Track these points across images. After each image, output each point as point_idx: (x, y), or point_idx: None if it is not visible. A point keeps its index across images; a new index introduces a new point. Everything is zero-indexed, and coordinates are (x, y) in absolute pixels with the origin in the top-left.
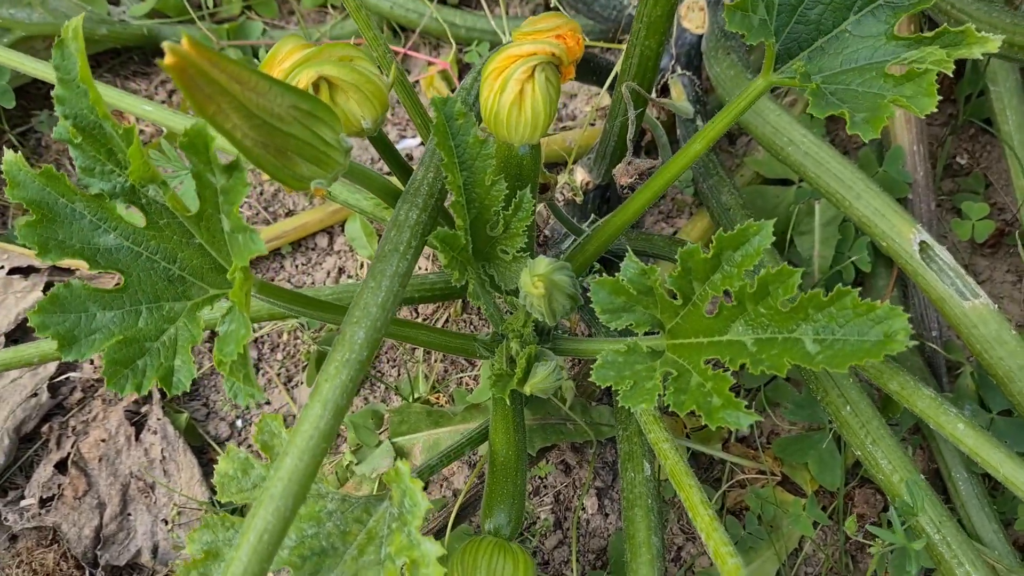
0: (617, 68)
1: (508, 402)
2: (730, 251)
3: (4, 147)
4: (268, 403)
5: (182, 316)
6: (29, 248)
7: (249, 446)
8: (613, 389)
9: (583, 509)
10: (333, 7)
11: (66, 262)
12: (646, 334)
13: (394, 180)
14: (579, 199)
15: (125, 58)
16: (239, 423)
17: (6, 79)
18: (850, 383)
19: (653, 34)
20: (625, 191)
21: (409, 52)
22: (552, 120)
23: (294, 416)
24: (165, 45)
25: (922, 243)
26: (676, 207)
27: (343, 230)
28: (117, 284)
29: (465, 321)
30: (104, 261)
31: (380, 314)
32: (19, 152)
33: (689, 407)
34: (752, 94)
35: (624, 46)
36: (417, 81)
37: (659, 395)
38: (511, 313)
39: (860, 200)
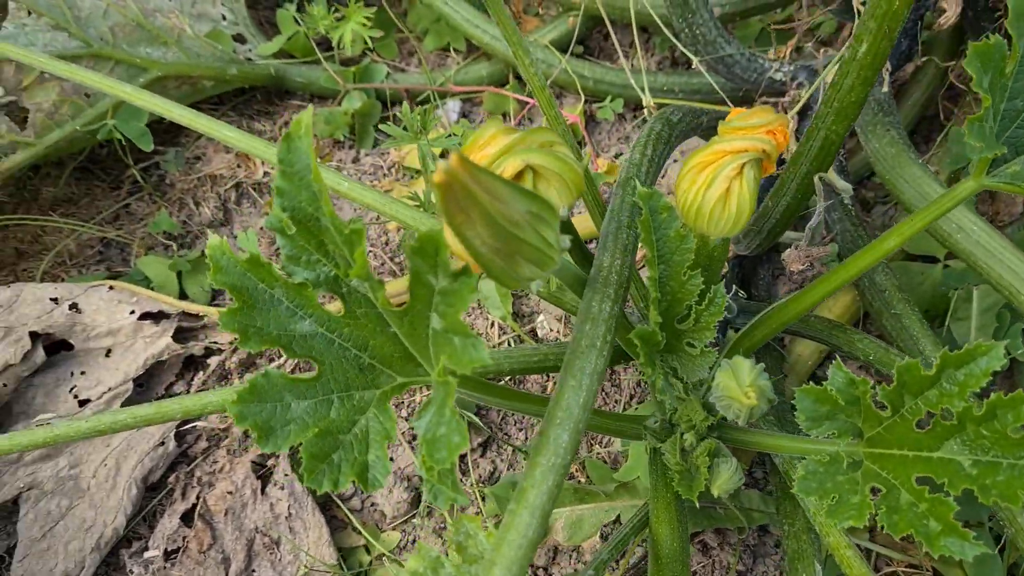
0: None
1: (674, 493)
2: (952, 370)
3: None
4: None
5: (372, 406)
6: (230, 333)
7: (373, 504)
8: (807, 498)
9: None
10: (456, 50)
11: (194, 308)
12: (849, 442)
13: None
14: (723, 270)
15: (249, 96)
16: None
17: (144, 122)
18: None
19: (842, 120)
20: (795, 274)
21: (536, 103)
22: (752, 215)
23: (419, 478)
24: (439, 165)
25: None
26: (812, 275)
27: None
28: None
29: None
30: (299, 348)
31: (582, 415)
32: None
33: (904, 530)
34: (960, 195)
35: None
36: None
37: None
38: (681, 400)
39: None
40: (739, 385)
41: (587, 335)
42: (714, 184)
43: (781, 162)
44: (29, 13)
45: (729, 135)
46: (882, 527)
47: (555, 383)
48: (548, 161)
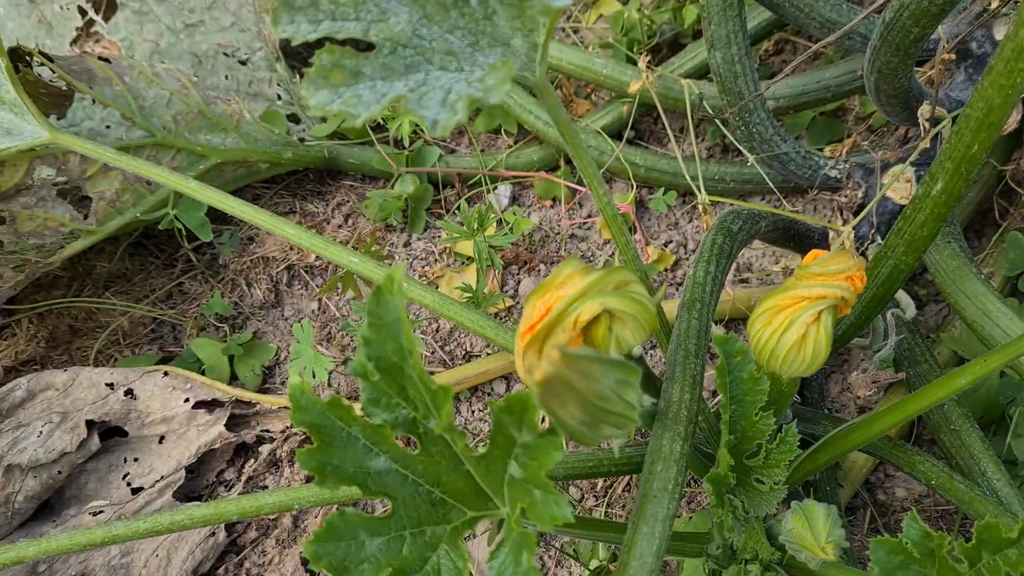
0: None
1: None
2: None
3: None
4: None
5: (443, 542)
6: (309, 472)
7: None
8: None
9: None
10: (507, 133)
11: (247, 395)
12: None
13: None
14: None
15: (301, 177)
16: None
17: (203, 211)
18: None
19: (912, 252)
20: (863, 399)
21: (587, 191)
22: (827, 359)
23: None
24: (541, 368)
25: None
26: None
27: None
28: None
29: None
30: (374, 486)
31: (655, 563)
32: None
33: None
34: None
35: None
36: (588, 220)
37: None
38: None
39: None
40: (814, 537)
41: (659, 477)
42: (791, 329)
43: None
44: (94, 102)
45: (807, 280)
46: None
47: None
48: (625, 305)
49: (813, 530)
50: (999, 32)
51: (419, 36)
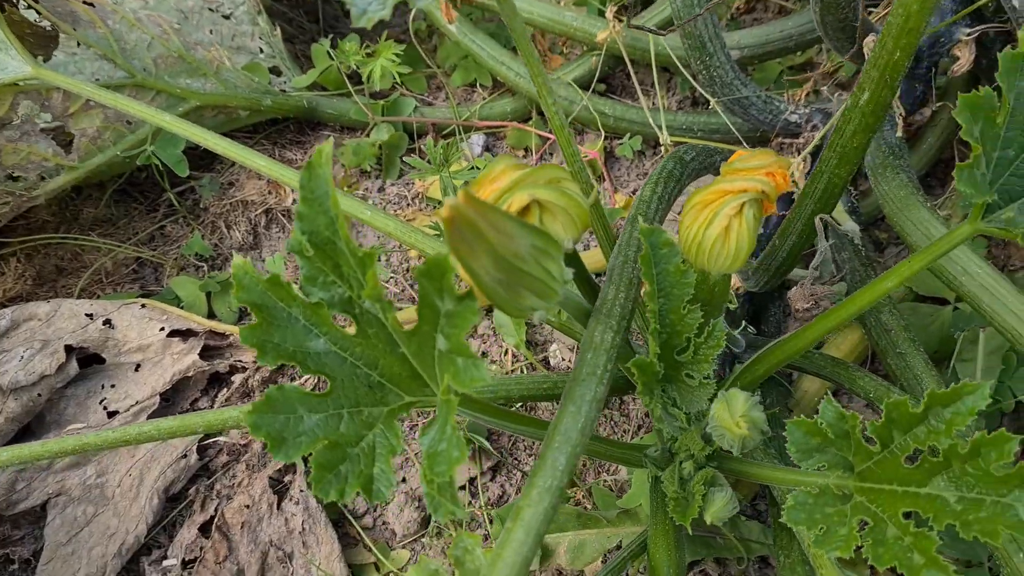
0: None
1: (672, 520)
2: (940, 408)
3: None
4: (399, 483)
5: (379, 422)
6: (249, 348)
7: (384, 522)
8: (796, 527)
9: None
10: (482, 86)
11: (221, 327)
12: (840, 475)
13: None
14: (732, 305)
15: (282, 127)
16: None
17: (180, 148)
18: None
19: (845, 164)
20: (800, 313)
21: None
22: (752, 252)
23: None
24: (446, 201)
25: None
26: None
27: (487, 314)
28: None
29: (605, 416)
30: (313, 365)
31: (580, 439)
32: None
33: (888, 562)
34: (956, 239)
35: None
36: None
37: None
38: (682, 429)
39: None
40: (731, 415)
41: (588, 363)
42: (715, 222)
43: (791, 202)
44: (79, 44)
45: (731, 176)
46: (867, 559)
47: None
48: (554, 196)
49: (731, 410)
50: None
51: None
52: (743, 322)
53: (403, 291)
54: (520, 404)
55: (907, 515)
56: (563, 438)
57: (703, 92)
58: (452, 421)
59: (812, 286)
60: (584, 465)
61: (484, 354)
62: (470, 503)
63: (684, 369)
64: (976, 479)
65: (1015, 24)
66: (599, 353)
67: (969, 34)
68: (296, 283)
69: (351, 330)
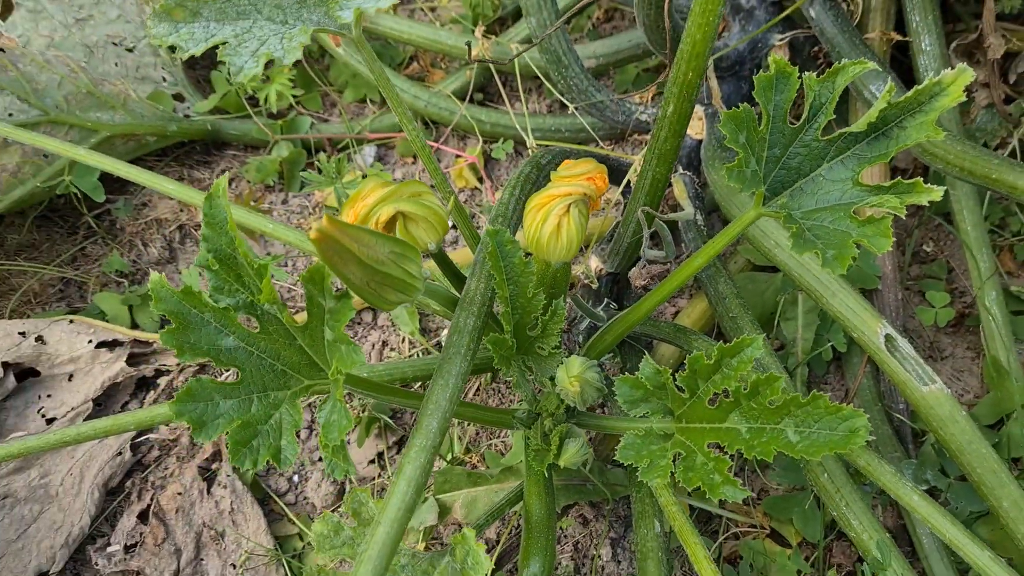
0: (630, 174)
1: (541, 470)
2: (728, 358)
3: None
4: (315, 462)
5: (284, 403)
6: (170, 348)
7: (305, 497)
8: (632, 465)
9: (599, 557)
10: (372, 101)
11: (145, 336)
12: (661, 419)
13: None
14: (594, 285)
15: (189, 148)
16: (295, 478)
17: (96, 177)
18: (829, 455)
19: (663, 163)
20: (639, 290)
21: (441, 147)
22: (581, 243)
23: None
24: (313, 225)
25: (887, 336)
26: (679, 289)
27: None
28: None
29: (494, 390)
30: (225, 359)
31: (449, 407)
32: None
33: (695, 483)
34: (744, 222)
35: (637, 159)
36: (447, 171)
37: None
38: (543, 394)
39: (835, 298)
40: (568, 377)
41: (454, 344)
42: (548, 221)
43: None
44: None
45: (559, 182)
46: (678, 482)
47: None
48: (415, 208)
49: (568, 373)
50: None
51: None
52: (606, 299)
53: (291, 292)
54: (419, 384)
55: (712, 446)
56: (435, 406)
57: (562, 98)
58: (340, 396)
59: (645, 265)
60: (477, 434)
61: (385, 343)
62: (379, 475)
63: (536, 343)
64: (758, 412)
65: (816, 29)
66: (463, 335)
67: (781, 39)
68: (207, 292)
69: (256, 328)
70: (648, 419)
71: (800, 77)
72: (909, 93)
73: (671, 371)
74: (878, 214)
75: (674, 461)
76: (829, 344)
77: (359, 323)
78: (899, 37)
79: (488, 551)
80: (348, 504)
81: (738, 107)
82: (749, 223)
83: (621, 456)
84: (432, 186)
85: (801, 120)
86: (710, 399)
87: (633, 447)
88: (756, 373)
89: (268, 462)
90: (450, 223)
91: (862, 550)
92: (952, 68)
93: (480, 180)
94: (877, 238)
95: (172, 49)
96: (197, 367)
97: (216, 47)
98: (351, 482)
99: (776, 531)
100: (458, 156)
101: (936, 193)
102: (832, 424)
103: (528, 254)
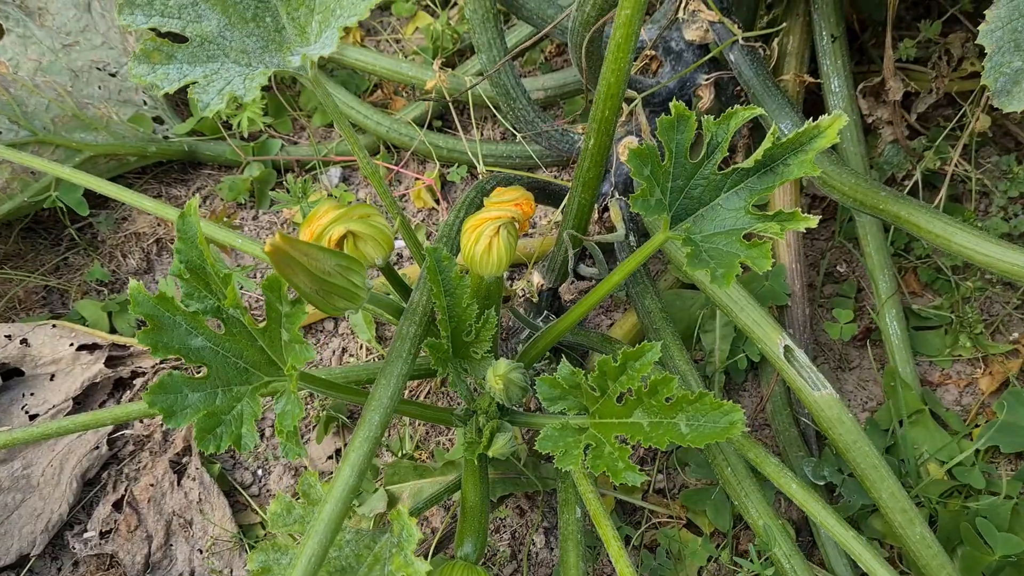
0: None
1: (476, 462)
2: (632, 361)
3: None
4: (277, 457)
5: (246, 397)
6: (145, 347)
7: (267, 489)
8: (550, 454)
9: (533, 544)
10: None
11: (122, 340)
12: (576, 415)
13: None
14: (535, 299)
15: (167, 167)
16: (259, 472)
17: (80, 193)
18: (731, 451)
19: (587, 190)
20: (568, 303)
21: (401, 170)
22: (511, 261)
23: (304, 467)
24: (267, 241)
25: (786, 347)
26: (613, 303)
27: (346, 317)
28: (202, 374)
29: (443, 393)
30: (194, 357)
31: (390, 404)
32: (80, 242)
33: (601, 469)
34: (654, 244)
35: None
36: (406, 193)
37: (583, 460)
38: (479, 394)
39: (743, 312)
40: (494, 376)
41: (397, 349)
42: (480, 241)
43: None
44: None
45: (491, 206)
46: (589, 468)
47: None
48: (363, 228)
49: (495, 374)
50: (688, 33)
51: (223, 37)
52: (545, 312)
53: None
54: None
55: (618, 439)
56: (377, 403)
57: (511, 128)
58: (294, 389)
59: (573, 280)
60: (427, 433)
61: (344, 350)
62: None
63: (471, 347)
64: (657, 408)
65: (736, 71)
66: (405, 341)
67: (707, 79)
68: (180, 298)
69: (221, 330)
70: (566, 415)
71: (699, 120)
72: (790, 135)
73: (584, 372)
74: (763, 238)
75: (585, 451)
76: (743, 354)
77: (321, 331)
78: (812, 80)
79: (431, 536)
80: (300, 487)
81: (641, 145)
82: (658, 245)
83: (540, 446)
84: (382, 207)
85: (700, 156)
86: (618, 397)
87: (551, 438)
88: (655, 374)
89: (231, 451)
90: (399, 242)
91: (758, 535)
92: (859, 108)
93: (437, 201)
94: (759, 259)
95: (150, 86)
96: (170, 367)
97: (188, 86)
98: None
99: (692, 521)
100: (417, 179)
101: (812, 221)
102: (716, 417)
103: (465, 270)
